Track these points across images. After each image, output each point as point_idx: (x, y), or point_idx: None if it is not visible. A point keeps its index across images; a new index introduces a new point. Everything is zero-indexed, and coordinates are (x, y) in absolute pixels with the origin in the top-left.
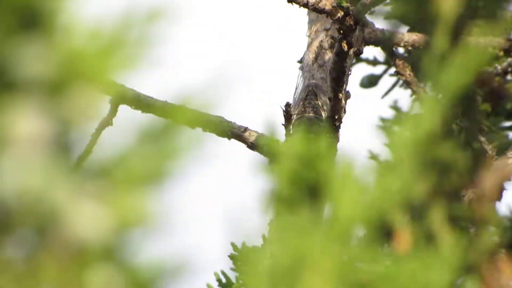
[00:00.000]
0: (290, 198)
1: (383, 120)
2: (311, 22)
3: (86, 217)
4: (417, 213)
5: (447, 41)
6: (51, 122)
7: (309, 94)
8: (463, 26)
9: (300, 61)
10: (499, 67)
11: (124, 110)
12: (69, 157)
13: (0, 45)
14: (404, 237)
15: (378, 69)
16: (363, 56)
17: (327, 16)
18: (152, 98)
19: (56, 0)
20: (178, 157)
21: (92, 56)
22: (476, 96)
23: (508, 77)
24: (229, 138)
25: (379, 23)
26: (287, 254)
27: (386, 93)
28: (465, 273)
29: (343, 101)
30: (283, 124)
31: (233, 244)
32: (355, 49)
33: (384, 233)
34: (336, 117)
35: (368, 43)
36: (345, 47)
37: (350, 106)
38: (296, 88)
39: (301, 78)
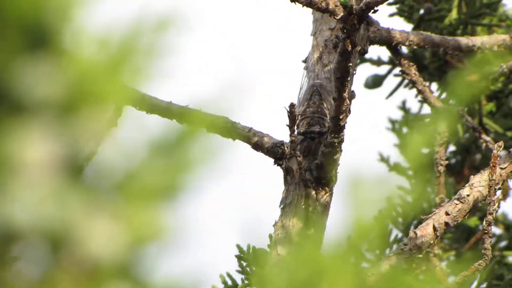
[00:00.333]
0: None
1: (392, 121)
2: (315, 21)
3: (100, 234)
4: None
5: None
6: (62, 143)
7: (313, 94)
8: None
9: (305, 61)
10: (504, 66)
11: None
12: (80, 176)
13: (8, 66)
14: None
15: (382, 69)
16: (367, 56)
17: (330, 15)
18: (156, 98)
19: (64, 16)
20: (193, 170)
21: (102, 73)
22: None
23: None
24: (234, 139)
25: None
26: (304, 267)
27: (391, 93)
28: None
29: (348, 101)
30: (287, 125)
31: (238, 246)
32: (360, 48)
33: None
34: (341, 117)
35: (373, 42)
36: (349, 47)
37: (355, 106)
38: (300, 88)
39: (306, 78)
